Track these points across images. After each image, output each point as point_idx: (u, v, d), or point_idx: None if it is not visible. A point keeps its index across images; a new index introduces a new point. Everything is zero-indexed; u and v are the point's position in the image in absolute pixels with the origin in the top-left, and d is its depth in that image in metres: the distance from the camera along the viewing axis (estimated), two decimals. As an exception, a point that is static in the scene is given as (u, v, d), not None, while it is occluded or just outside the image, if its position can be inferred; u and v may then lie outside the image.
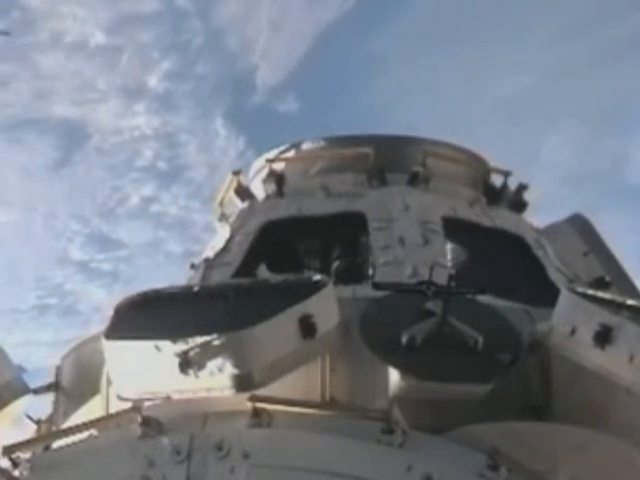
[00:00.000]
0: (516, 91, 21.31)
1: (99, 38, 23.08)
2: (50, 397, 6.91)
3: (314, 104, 22.53)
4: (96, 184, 24.63)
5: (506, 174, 7.97)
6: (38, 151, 24.49)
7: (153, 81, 23.67)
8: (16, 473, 4.91)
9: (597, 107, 21.07)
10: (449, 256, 7.37)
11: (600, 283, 7.45)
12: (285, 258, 7.82)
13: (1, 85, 23.39)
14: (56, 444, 5.32)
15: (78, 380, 6.71)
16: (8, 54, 22.65)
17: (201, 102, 24.41)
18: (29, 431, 6.72)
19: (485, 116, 21.21)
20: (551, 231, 8.15)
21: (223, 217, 8.01)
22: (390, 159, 7.67)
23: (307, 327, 5.03)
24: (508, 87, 21.42)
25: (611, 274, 7.67)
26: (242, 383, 4.90)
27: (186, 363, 4.87)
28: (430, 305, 5.45)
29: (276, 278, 5.61)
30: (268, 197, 7.81)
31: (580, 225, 8.11)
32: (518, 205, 7.94)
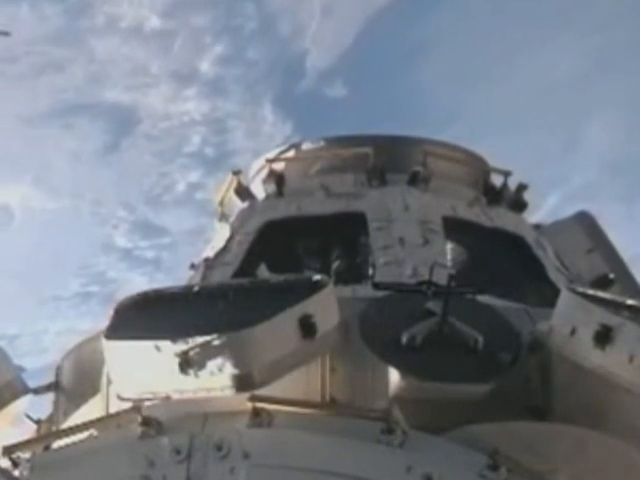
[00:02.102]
0: (562, 77, 21.29)
1: (154, 22, 23.10)
2: (50, 397, 6.91)
3: (361, 89, 22.57)
4: (144, 170, 24.63)
5: (506, 174, 7.98)
6: (88, 136, 24.49)
7: (205, 66, 23.65)
8: (16, 473, 4.91)
9: None
10: (449, 256, 7.37)
11: (603, 281, 7.48)
12: (285, 258, 7.82)
13: (57, 69, 23.45)
14: (56, 444, 5.32)
15: (78, 380, 6.71)
16: (65, 38, 22.74)
17: (251, 87, 24.41)
18: (29, 431, 6.73)
19: (529, 102, 21.20)
20: (556, 227, 8.17)
21: (223, 217, 8.02)
22: (390, 159, 7.68)
23: (307, 327, 5.02)
24: (553, 73, 21.39)
25: (615, 272, 7.68)
26: (242, 383, 4.90)
27: (186, 363, 4.86)
28: (430, 305, 5.45)
29: (276, 278, 5.60)
30: (268, 197, 7.81)
31: (585, 222, 8.11)
32: (518, 205, 7.95)
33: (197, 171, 23.76)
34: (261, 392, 4.93)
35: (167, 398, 5.03)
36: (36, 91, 23.77)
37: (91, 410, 6.11)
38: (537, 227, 8.16)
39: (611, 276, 7.58)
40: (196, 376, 4.89)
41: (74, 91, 23.78)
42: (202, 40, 23.60)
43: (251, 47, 23.96)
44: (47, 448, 5.32)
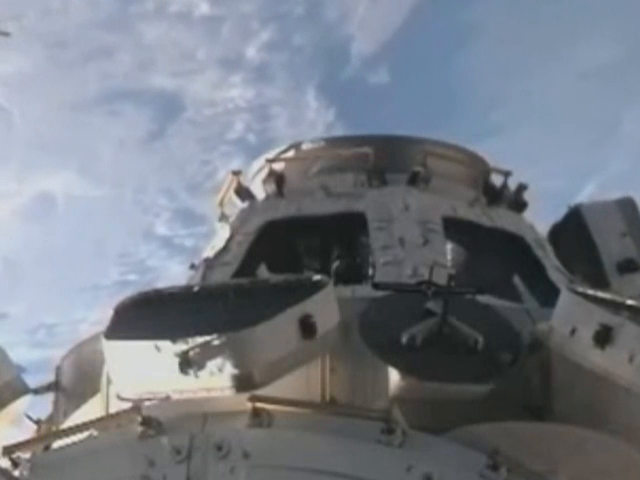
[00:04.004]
0: (602, 65, 21.18)
1: (203, 8, 23.16)
2: (50, 397, 6.92)
3: (405, 76, 22.54)
4: (187, 158, 24.59)
5: (506, 174, 7.99)
6: (134, 123, 24.42)
7: (251, 52, 23.67)
8: (16, 473, 4.91)
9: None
10: (449, 256, 7.38)
11: (630, 264, 7.55)
12: (285, 258, 7.82)
13: (105, 55, 23.51)
14: (56, 444, 5.32)
15: (78, 380, 6.71)
16: (115, 24, 22.85)
17: (295, 73, 24.41)
18: (29, 431, 6.73)
19: (570, 90, 21.10)
20: (597, 207, 8.21)
21: (223, 217, 8.02)
22: (390, 159, 7.69)
23: (307, 327, 5.02)
24: (595, 61, 21.30)
25: None
26: (242, 383, 4.90)
27: (186, 363, 4.86)
28: (430, 305, 5.45)
29: (276, 278, 5.60)
30: (268, 197, 7.81)
31: (625, 207, 8.14)
32: (518, 205, 7.96)
33: (238, 159, 23.82)
34: (261, 392, 4.93)
35: (167, 398, 5.04)
36: (84, 77, 23.91)
37: (91, 410, 6.11)
38: (578, 206, 8.22)
39: (638, 262, 7.67)
40: (196, 376, 4.89)
41: (121, 77, 23.93)
42: (249, 26, 23.74)
43: (297, 33, 24.15)
44: (47, 448, 5.32)
